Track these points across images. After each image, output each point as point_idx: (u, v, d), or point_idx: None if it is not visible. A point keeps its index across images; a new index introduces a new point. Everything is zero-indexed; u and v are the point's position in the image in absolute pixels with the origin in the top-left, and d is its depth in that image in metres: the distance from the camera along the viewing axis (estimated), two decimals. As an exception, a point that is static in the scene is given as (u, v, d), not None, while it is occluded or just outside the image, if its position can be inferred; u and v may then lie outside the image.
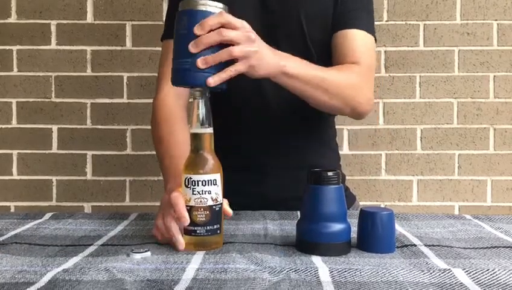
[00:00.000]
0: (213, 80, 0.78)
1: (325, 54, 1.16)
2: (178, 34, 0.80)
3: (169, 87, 1.12)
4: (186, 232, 0.81)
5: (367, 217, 0.81)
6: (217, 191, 0.80)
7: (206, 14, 0.79)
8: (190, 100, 0.81)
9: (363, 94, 1.10)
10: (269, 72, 0.89)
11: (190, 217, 0.79)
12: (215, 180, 0.80)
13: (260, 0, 1.13)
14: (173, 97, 1.12)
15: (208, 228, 0.80)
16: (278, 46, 1.10)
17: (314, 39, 1.14)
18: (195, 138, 0.82)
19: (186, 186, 0.80)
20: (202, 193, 0.79)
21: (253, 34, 0.84)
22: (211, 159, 0.81)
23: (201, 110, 0.81)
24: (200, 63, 0.78)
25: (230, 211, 0.85)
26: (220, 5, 0.81)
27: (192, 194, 0.79)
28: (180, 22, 0.79)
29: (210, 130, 0.82)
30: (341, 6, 1.14)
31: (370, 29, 1.15)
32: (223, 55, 0.79)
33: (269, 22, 1.12)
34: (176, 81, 0.81)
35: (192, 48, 0.77)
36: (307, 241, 0.79)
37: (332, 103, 1.04)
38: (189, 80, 0.79)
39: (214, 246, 0.81)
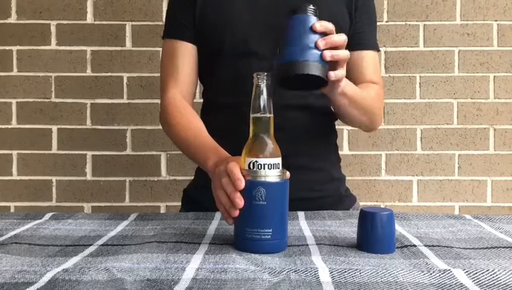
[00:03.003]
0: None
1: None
2: (251, 204, 0.78)
3: (176, 89, 1.15)
4: None
5: (367, 218, 0.81)
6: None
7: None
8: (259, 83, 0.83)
9: (381, 111, 1.24)
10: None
11: None
12: (278, 164, 0.81)
13: (272, 11, 1.13)
14: (180, 97, 1.16)
15: None
16: None
17: None
18: (258, 122, 0.82)
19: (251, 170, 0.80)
20: None
21: None
22: (274, 144, 0.82)
23: (263, 95, 0.82)
24: (328, 56, 0.86)
25: None
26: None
27: None
28: (256, 193, 0.78)
29: (271, 115, 0.83)
30: (357, 24, 1.20)
31: (377, 44, 1.26)
32: (341, 54, 0.89)
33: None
34: (246, 249, 0.79)
35: (321, 44, 0.86)
36: (288, 63, 0.84)
37: (361, 118, 1.14)
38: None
39: None
